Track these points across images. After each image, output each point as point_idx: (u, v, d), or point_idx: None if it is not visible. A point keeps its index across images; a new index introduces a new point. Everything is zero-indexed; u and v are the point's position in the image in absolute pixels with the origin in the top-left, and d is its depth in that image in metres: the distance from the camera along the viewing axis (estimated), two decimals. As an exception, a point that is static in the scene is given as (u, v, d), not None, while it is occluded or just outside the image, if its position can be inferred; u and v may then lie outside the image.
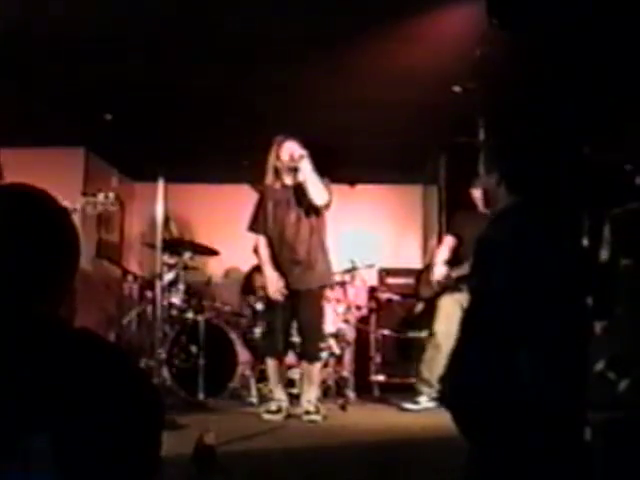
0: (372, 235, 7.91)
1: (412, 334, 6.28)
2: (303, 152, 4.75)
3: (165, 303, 5.64)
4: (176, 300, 5.81)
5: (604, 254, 3.40)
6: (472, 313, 2.27)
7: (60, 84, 5.18)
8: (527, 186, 2.30)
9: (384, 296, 6.77)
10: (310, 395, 4.92)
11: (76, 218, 4.06)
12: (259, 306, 5.88)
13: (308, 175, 4.73)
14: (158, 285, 5.15)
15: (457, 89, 4.85)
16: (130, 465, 1.09)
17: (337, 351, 6.09)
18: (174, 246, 5.99)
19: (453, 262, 5.43)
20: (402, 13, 4.14)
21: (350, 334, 6.22)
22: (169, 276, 5.77)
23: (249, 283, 6.79)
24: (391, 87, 5.16)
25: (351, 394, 5.98)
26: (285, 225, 4.87)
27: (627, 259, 3.29)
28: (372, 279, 6.96)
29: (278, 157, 4.87)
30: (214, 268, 7.53)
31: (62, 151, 6.82)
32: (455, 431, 2.22)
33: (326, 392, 5.89)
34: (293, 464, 3.56)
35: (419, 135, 6.01)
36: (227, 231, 7.16)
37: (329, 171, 4.97)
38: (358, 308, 6.48)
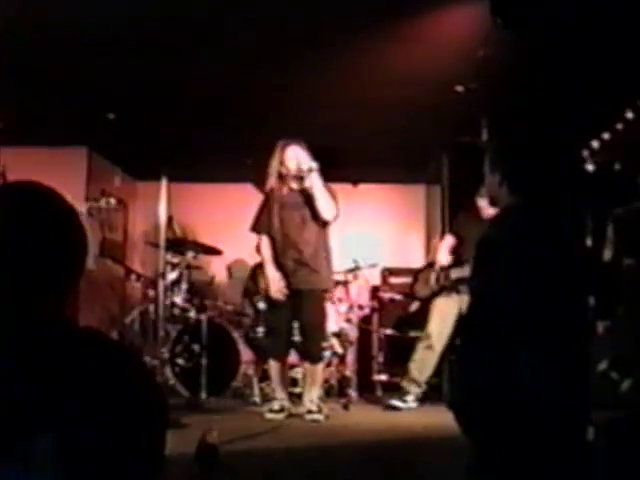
0: (375, 235, 7.90)
1: (414, 334, 6.27)
2: (313, 165, 4.75)
3: (168, 302, 5.65)
4: (179, 299, 5.82)
5: (607, 254, 3.40)
6: (473, 313, 2.27)
7: (62, 83, 5.18)
8: (528, 186, 2.31)
9: (387, 296, 6.78)
10: (312, 394, 4.93)
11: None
12: (262, 305, 5.88)
13: (317, 190, 4.76)
14: (161, 284, 5.16)
15: (460, 89, 4.85)
16: (134, 464, 1.10)
17: (340, 350, 6.09)
18: (177, 245, 6.00)
19: (453, 263, 5.44)
20: (406, 13, 4.14)
21: (353, 334, 6.22)
22: (172, 275, 5.78)
23: (252, 282, 6.79)
24: (394, 87, 5.16)
25: (353, 393, 5.99)
26: (291, 226, 4.88)
27: (630, 259, 3.29)
28: (375, 279, 6.96)
29: (282, 162, 4.87)
30: (217, 267, 7.54)
31: (65, 150, 6.82)
32: (457, 431, 2.22)
33: (328, 391, 5.90)
34: (295, 463, 3.56)
35: (422, 135, 6.01)
36: (230, 230, 7.16)
37: (331, 171, 4.98)
38: (361, 307, 6.48)
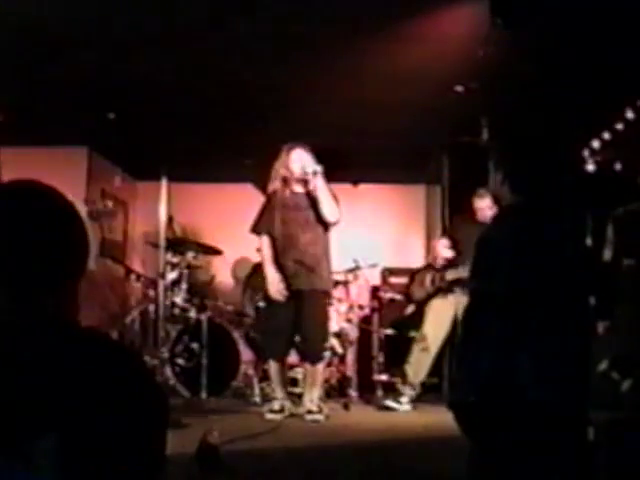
0: (375, 235, 7.90)
1: (414, 333, 6.27)
2: (317, 168, 4.76)
3: (168, 302, 5.65)
4: (179, 299, 5.81)
5: (607, 254, 3.41)
6: (473, 313, 2.27)
7: (63, 83, 5.18)
8: (528, 186, 2.31)
9: (387, 296, 6.78)
10: (313, 395, 4.93)
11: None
12: (262, 304, 5.88)
13: (322, 192, 4.78)
14: (161, 284, 5.16)
15: (460, 89, 4.86)
16: (134, 464, 1.09)
17: (340, 351, 6.09)
18: (177, 245, 6.00)
19: (448, 264, 5.47)
20: (406, 13, 4.14)
21: (353, 334, 6.22)
22: (172, 275, 5.78)
23: (251, 282, 6.80)
24: (394, 87, 5.16)
25: (354, 393, 5.99)
26: (293, 227, 4.88)
27: (629, 259, 3.29)
28: (375, 279, 6.97)
29: (287, 167, 4.88)
30: (217, 267, 7.54)
31: (65, 150, 6.83)
32: (457, 431, 2.22)
33: (329, 392, 5.89)
34: (296, 463, 3.56)
35: (422, 135, 6.01)
36: (230, 230, 7.16)
37: (333, 172, 4.98)
38: (361, 307, 6.48)
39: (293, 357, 5.48)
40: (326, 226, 4.92)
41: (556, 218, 2.32)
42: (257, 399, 5.53)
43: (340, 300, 6.22)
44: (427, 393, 5.66)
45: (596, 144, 3.57)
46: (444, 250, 5.51)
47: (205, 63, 4.88)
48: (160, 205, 4.94)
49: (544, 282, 2.16)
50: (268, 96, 5.39)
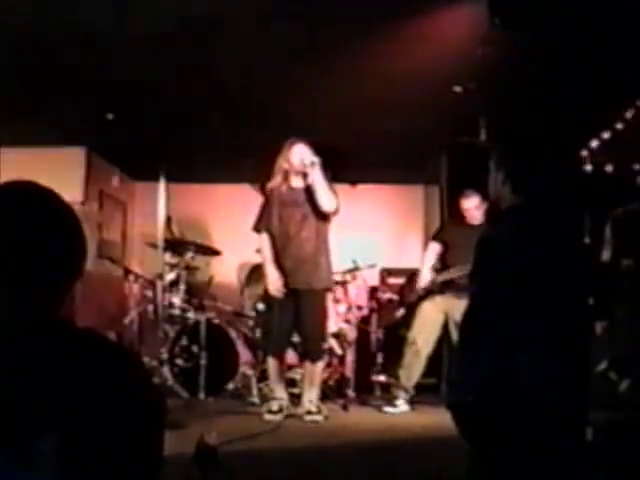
0: (373, 235, 7.90)
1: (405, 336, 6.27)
2: (315, 159, 4.77)
3: (166, 303, 5.65)
4: (177, 300, 5.81)
5: (605, 254, 3.40)
6: (473, 313, 2.27)
7: (61, 83, 5.18)
8: (529, 186, 2.31)
9: (385, 296, 6.77)
10: (311, 395, 4.92)
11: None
12: (261, 306, 5.88)
13: (318, 183, 4.78)
14: (159, 285, 5.15)
15: (458, 89, 4.86)
16: (133, 464, 1.09)
17: (339, 351, 6.09)
18: (176, 246, 6.00)
19: (439, 268, 5.50)
20: (405, 13, 4.14)
21: (351, 334, 6.22)
22: (170, 276, 5.78)
23: (250, 283, 6.79)
24: (393, 87, 5.15)
25: (352, 394, 5.98)
26: (291, 224, 4.88)
27: (628, 259, 3.29)
28: (373, 279, 6.96)
29: (287, 160, 4.89)
30: (216, 268, 7.53)
31: (63, 150, 6.82)
32: (456, 431, 2.22)
33: (327, 392, 5.88)
34: (294, 464, 3.56)
35: (420, 135, 6.01)
36: (228, 231, 7.16)
37: (333, 171, 4.98)
38: (359, 308, 6.48)
39: (292, 357, 5.47)
40: (325, 218, 4.92)
41: (556, 218, 2.32)
42: (255, 400, 5.52)
43: (339, 301, 6.21)
44: (425, 394, 5.66)
45: (596, 144, 3.57)
46: (427, 273, 5.55)
47: (204, 63, 4.88)
48: (158, 205, 4.94)
49: (544, 282, 2.16)
50: (268, 96, 5.39)
